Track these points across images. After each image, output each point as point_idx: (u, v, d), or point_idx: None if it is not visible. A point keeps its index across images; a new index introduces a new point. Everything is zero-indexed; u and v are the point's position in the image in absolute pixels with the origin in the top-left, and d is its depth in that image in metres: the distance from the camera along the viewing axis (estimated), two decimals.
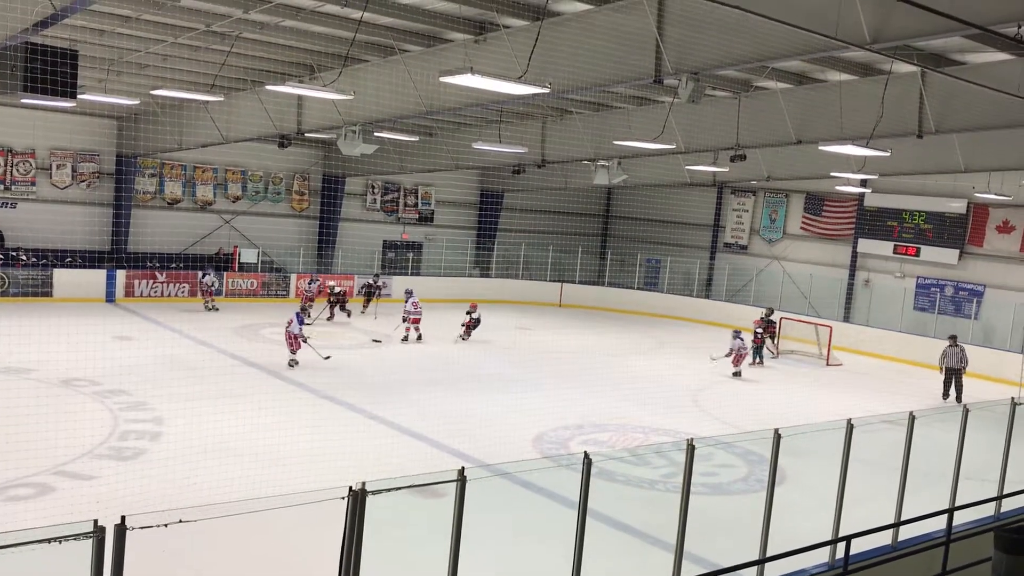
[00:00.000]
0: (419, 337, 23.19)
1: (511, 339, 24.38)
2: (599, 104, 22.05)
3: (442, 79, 10.71)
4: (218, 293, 26.02)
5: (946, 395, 20.92)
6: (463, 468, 5.98)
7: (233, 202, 29.82)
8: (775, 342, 25.76)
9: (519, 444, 14.19)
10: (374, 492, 5.44)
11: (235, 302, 27.20)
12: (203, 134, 23.19)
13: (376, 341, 22.79)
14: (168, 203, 28.59)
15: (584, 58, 12.78)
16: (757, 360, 23.77)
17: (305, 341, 18.89)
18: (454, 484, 5.97)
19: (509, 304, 31.34)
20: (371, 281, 28.29)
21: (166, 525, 4.60)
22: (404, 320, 23.31)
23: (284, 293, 28.80)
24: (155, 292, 26.44)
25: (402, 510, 6.89)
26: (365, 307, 27.64)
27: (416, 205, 34.23)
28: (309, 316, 24.27)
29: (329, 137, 25.50)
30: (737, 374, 21.85)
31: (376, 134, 22.72)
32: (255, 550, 9.20)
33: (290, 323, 19.06)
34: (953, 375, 20.86)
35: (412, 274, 32.42)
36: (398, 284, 30.98)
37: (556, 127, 24.29)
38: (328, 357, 19.20)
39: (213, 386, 15.79)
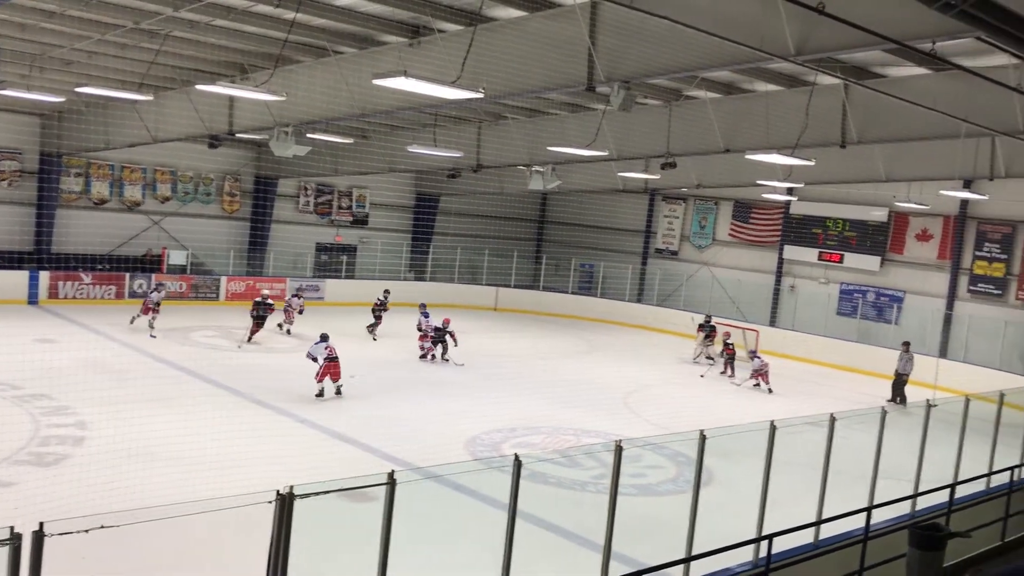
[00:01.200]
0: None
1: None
2: (533, 110, 22.22)
3: (375, 82, 10.70)
4: (144, 296, 24.55)
5: (893, 399, 21.39)
6: (393, 471, 6.00)
7: (162, 203, 29.23)
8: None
9: (452, 447, 14.21)
10: (302, 496, 5.43)
11: (163, 305, 26.62)
12: (131, 133, 22.69)
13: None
14: (95, 203, 27.88)
15: (518, 64, 12.88)
16: (728, 372, 23.59)
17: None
18: (384, 487, 5.98)
19: (444, 308, 31.27)
20: (381, 298, 25.35)
21: (87, 531, 4.53)
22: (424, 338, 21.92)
23: (213, 296, 28.29)
24: (80, 294, 25.75)
25: (332, 514, 6.87)
26: (373, 329, 24.55)
27: (350, 207, 33.99)
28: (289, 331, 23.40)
29: (261, 138, 25.19)
30: (770, 390, 21.91)
31: (309, 135, 22.61)
32: (181, 556, 9.06)
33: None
34: (902, 379, 21.50)
35: (346, 277, 32.20)
36: (331, 288, 30.80)
37: (491, 132, 24.40)
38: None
39: (139, 390, 15.46)
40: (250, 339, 21.87)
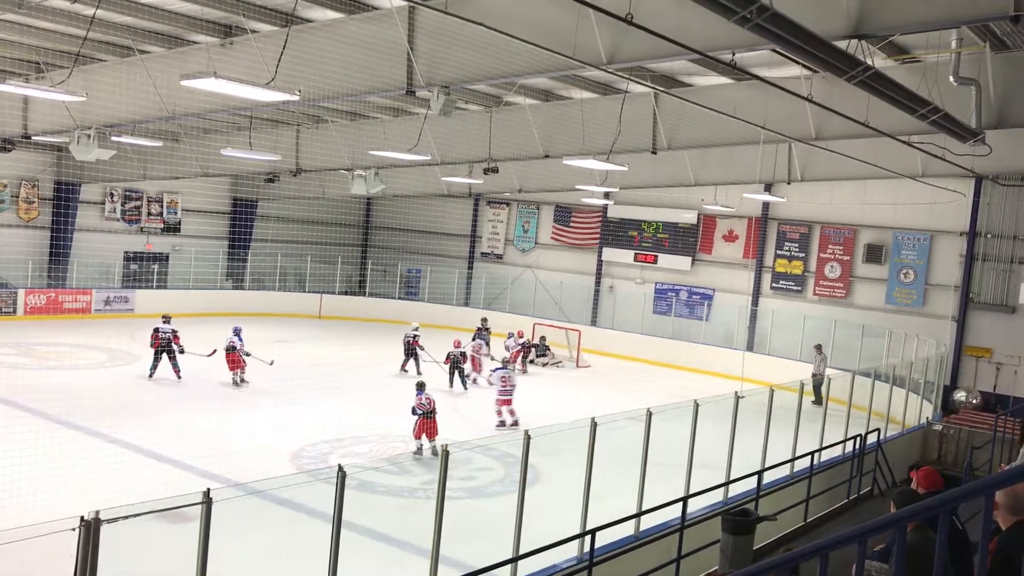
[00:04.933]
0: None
1: (269, 353, 23.61)
2: (354, 113, 21.95)
3: (184, 83, 10.25)
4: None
5: (816, 399, 21.08)
6: (208, 489, 5.75)
7: None
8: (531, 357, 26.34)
9: (277, 461, 13.78)
10: (109, 520, 5.11)
11: None
12: None
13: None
14: None
15: (336, 66, 12.67)
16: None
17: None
18: (200, 507, 5.71)
19: (266, 317, 30.37)
20: (481, 325, 25.86)
21: None
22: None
23: (10, 311, 26.23)
24: None
25: (145, 538, 6.51)
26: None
27: (161, 214, 32.33)
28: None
29: (61, 141, 23.60)
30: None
31: (114, 138, 21.30)
32: None
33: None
34: (818, 380, 22.16)
35: (158, 287, 30.62)
36: (141, 299, 29.23)
37: (311, 135, 23.90)
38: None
39: None
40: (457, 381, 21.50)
